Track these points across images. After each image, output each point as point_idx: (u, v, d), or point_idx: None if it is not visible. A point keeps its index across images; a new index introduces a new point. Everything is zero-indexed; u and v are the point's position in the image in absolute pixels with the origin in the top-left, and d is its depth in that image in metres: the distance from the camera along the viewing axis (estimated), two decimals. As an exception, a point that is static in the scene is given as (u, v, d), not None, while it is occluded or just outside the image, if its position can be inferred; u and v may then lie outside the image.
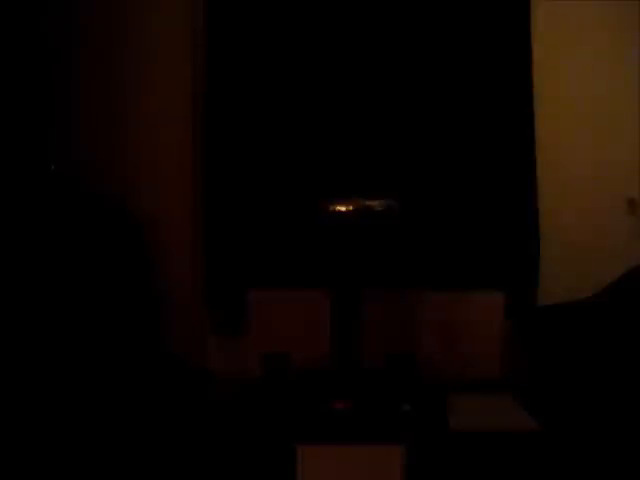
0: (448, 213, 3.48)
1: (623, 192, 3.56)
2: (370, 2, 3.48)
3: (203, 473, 2.73)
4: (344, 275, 2.82)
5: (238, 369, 3.32)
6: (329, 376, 2.82)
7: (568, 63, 3.56)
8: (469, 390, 3.21)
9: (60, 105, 3.41)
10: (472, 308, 3.40)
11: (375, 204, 2.82)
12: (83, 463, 2.73)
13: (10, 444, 2.71)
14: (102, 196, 3.28)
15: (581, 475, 2.69)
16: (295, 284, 3.41)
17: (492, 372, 3.34)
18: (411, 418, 2.74)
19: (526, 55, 3.49)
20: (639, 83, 3.56)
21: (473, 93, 3.49)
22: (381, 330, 3.27)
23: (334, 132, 3.47)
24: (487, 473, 2.67)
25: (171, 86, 3.51)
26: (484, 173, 3.49)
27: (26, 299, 2.89)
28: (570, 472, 2.69)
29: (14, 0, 3.15)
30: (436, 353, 3.35)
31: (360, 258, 2.85)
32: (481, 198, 3.49)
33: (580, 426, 2.83)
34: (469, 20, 3.48)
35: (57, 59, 3.39)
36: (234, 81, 3.49)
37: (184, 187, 3.52)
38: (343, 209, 2.79)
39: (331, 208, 2.81)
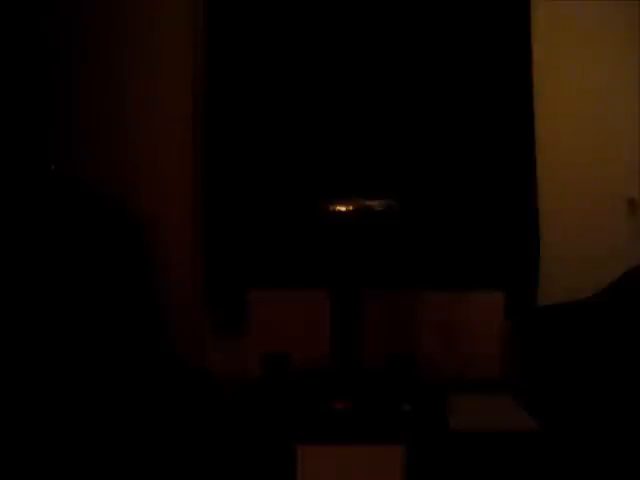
0: (448, 213, 3.48)
1: (623, 192, 3.56)
2: (370, 2, 3.48)
3: (203, 473, 2.73)
4: (344, 275, 2.82)
5: (238, 369, 3.32)
6: (329, 376, 2.82)
7: (568, 63, 3.56)
8: (469, 390, 3.21)
9: (60, 105, 3.41)
10: (472, 308, 3.40)
11: (375, 204, 2.82)
12: (83, 463, 2.73)
13: (10, 444, 2.71)
14: (102, 196, 3.28)
15: (581, 475, 2.69)
16: (295, 284, 3.42)
17: (492, 372, 3.34)
18: (411, 418, 2.74)
19: (526, 55, 3.49)
20: (639, 83, 3.56)
21: (473, 93, 3.49)
22: (381, 330, 3.28)
23: (334, 132, 3.47)
24: (487, 473, 2.67)
25: (171, 86, 3.51)
26: (484, 173, 3.49)
27: (26, 299, 2.89)
28: (570, 472, 2.69)
29: (14, 0, 3.15)
30: (436, 353, 3.35)
31: (360, 258, 2.85)
32: (481, 198, 3.49)
33: (580, 426, 2.83)
34: (469, 20, 3.48)
35: (57, 59, 3.39)
36: (234, 81, 3.49)
37: (184, 187, 3.52)
38: (343, 209, 2.79)
39: (331, 208, 2.80)
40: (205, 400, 3.15)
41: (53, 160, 3.27)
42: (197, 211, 3.53)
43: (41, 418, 2.79)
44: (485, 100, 3.49)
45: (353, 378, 2.80)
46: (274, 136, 3.49)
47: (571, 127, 3.56)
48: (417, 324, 3.35)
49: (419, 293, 3.36)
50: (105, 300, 3.08)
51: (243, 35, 3.48)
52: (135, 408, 2.97)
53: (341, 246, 2.82)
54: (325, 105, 3.48)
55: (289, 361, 3.14)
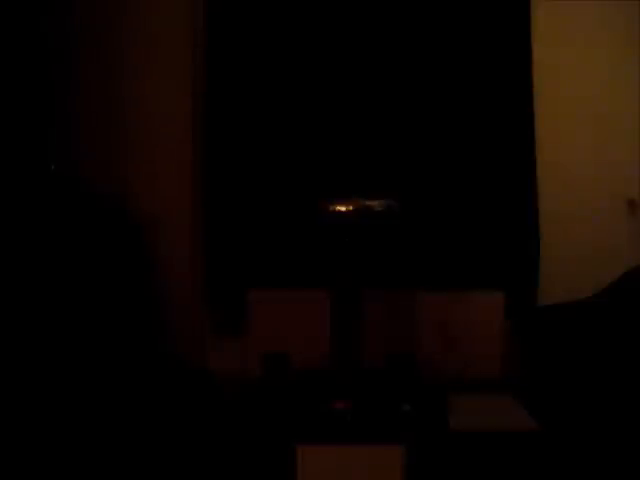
0: (448, 213, 3.48)
1: (623, 192, 3.56)
2: (370, 2, 3.48)
3: (203, 473, 2.73)
4: (344, 275, 2.82)
5: (238, 369, 3.31)
6: (329, 376, 2.82)
7: (568, 63, 3.56)
8: (469, 390, 3.21)
9: (60, 105, 3.41)
10: (472, 308, 3.40)
11: (375, 204, 2.82)
12: (83, 463, 2.73)
13: (10, 444, 2.71)
14: (102, 196, 3.28)
15: (581, 475, 2.69)
16: (295, 284, 3.41)
17: (492, 372, 3.34)
18: (411, 418, 2.74)
19: (526, 55, 3.49)
20: (639, 83, 3.56)
21: (473, 93, 3.49)
22: (381, 330, 3.27)
23: (334, 132, 3.47)
24: (487, 473, 2.67)
25: (171, 86, 3.51)
26: (484, 173, 3.49)
27: (26, 299, 2.89)
28: (570, 472, 2.68)
29: (14, 0, 3.15)
30: (436, 353, 3.35)
31: (360, 258, 2.85)
32: (481, 198, 3.49)
33: (580, 426, 2.83)
34: (469, 20, 3.48)
35: (57, 59, 3.39)
36: (234, 81, 3.49)
37: (184, 187, 3.52)
38: (343, 209, 2.79)
39: (331, 208, 2.80)
40: (205, 400, 3.15)
41: (53, 160, 3.27)
42: (197, 211, 3.53)
43: (41, 418, 2.79)
44: (485, 100, 3.49)
45: (353, 378, 2.80)
46: (274, 136, 3.49)
47: (571, 127, 3.56)
48: (417, 324, 3.35)
49: (419, 293, 3.36)
50: (105, 300, 3.08)
51: (243, 35, 3.48)
52: (135, 408, 2.97)
53: (341, 246, 2.82)
54: (325, 105, 3.48)
55: (289, 361, 3.13)
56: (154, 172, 3.50)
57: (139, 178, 3.48)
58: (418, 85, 3.48)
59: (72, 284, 2.98)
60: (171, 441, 2.83)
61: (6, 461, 2.67)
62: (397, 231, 3.35)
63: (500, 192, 3.49)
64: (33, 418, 2.78)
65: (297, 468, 2.58)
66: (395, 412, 2.76)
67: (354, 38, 3.47)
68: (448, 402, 2.98)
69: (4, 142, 3.07)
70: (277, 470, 2.62)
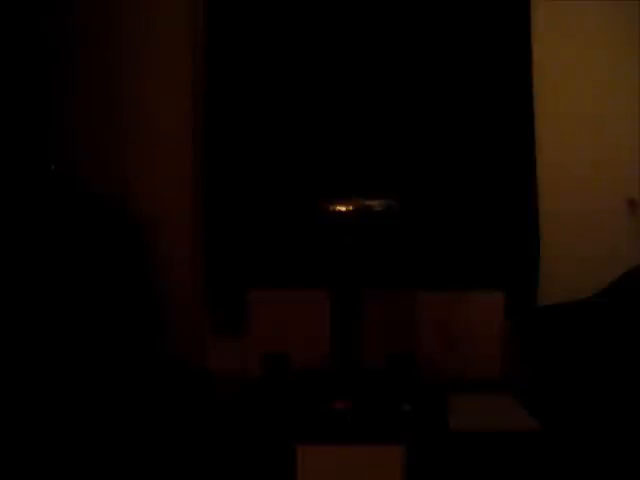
0: (448, 213, 3.48)
1: (623, 192, 3.56)
2: (370, 2, 3.48)
3: (203, 473, 2.73)
4: (344, 275, 2.82)
5: (238, 369, 3.31)
6: (329, 376, 2.82)
7: (568, 63, 3.56)
8: (469, 390, 3.21)
9: (60, 105, 3.40)
10: (472, 308, 3.40)
11: (375, 204, 2.82)
12: (83, 463, 2.73)
13: (10, 444, 2.71)
14: (102, 196, 3.28)
15: (581, 475, 2.69)
16: (295, 284, 3.41)
17: (492, 372, 3.34)
18: (411, 418, 2.73)
19: (526, 55, 3.49)
20: (639, 83, 3.56)
21: (473, 93, 3.49)
22: (381, 330, 3.27)
23: (334, 132, 3.47)
24: (487, 473, 2.67)
25: (171, 86, 3.51)
26: (484, 173, 3.49)
27: (25, 299, 2.89)
28: (570, 472, 2.68)
29: (14, 0, 3.15)
30: (436, 353, 3.35)
31: (360, 258, 2.85)
32: (481, 198, 3.49)
33: (580, 426, 2.83)
34: (469, 20, 3.48)
35: (57, 59, 3.39)
36: (234, 81, 3.49)
37: (184, 187, 3.52)
38: (343, 209, 2.79)
39: (331, 208, 2.80)
40: (205, 400, 3.15)
41: (53, 160, 3.27)
42: (197, 211, 3.53)
43: (41, 418, 2.79)
44: (485, 100, 3.49)
45: (353, 378, 2.80)
46: (274, 136, 3.49)
47: (571, 127, 3.56)
48: (417, 324, 3.35)
49: (419, 293, 3.36)
50: (105, 300, 3.08)
51: (243, 35, 3.48)
52: (135, 408, 2.97)
53: (341, 246, 2.82)
54: (325, 105, 3.48)
55: (289, 361, 3.13)
56: (154, 172, 3.50)
57: (139, 178, 3.48)
58: (418, 85, 3.48)
59: (72, 284, 2.98)
60: (171, 441, 2.83)
61: (7, 461, 2.67)
62: (397, 231, 3.35)
63: (500, 192, 3.49)
64: (33, 418, 2.78)
65: (297, 468, 2.58)
66: (395, 412, 2.76)
67: (354, 38, 3.47)
68: (448, 402, 2.97)
69: (4, 142, 3.07)
70: (277, 470, 2.62)
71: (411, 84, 3.48)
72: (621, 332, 2.93)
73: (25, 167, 3.12)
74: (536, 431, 2.76)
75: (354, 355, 2.80)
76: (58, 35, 3.40)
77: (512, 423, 2.85)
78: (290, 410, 2.83)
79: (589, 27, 3.57)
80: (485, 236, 3.49)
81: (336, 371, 2.80)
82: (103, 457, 2.76)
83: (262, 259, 3.47)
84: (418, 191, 3.45)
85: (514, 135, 3.49)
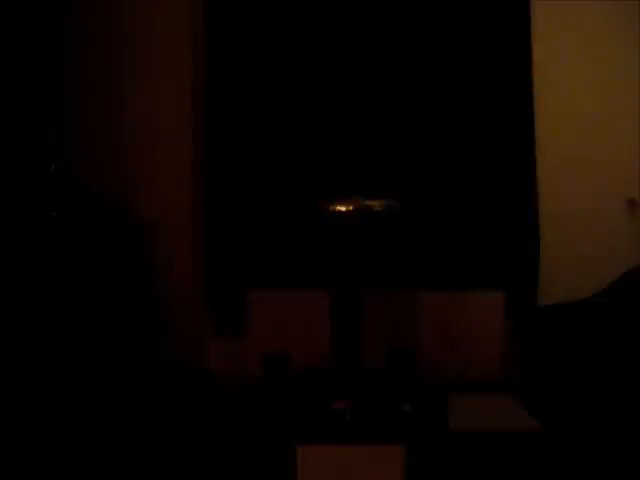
0: (448, 213, 3.48)
1: (623, 192, 3.56)
2: (370, 2, 3.48)
3: (203, 473, 2.73)
4: (344, 275, 2.82)
5: (238, 369, 3.31)
6: (329, 376, 2.82)
7: (568, 63, 3.56)
8: (469, 390, 3.21)
9: (60, 105, 3.40)
10: (472, 308, 3.40)
11: (375, 204, 2.82)
12: (84, 463, 2.73)
13: (12, 444, 2.71)
14: (102, 196, 3.28)
15: (581, 475, 2.69)
16: (295, 284, 3.41)
17: (492, 372, 3.34)
18: (411, 418, 2.73)
19: (526, 55, 3.49)
20: (639, 83, 3.56)
21: (473, 93, 3.49)
22: (381, 330, 3.27)
23: (334, 132, 3.47)
24: (487, 473, 2.67)
25: (171, 86, 3.51)
26: (484, 173, 3.49)
27: (26, 299, 2.89)
28: (570, 472, 2.68)
29: (14, 0, 3.15)
30: (436, 353, 3.35)
31: (360, 258, 2.85)
32: (481, 198, 3.49)
33: (580, 426, 2.83)
34: (469, 20, 3.48)
35: (57, 59, 3.39)
36: (234, 81, 3.49)
37: (184, 187, 3.52)
38: (343, 209, 2.79)
39: (331, 208, 2.80)
40: (205, 400, 3.15)
41: (53, 160, 3.27)
42: (197, 211, 3.53)
43: (42, 417, 2.79)
44: (485, 100, 3.49)
45: (353, 378, 2.80)
46: (274, 136, 3.49)
47: (571, 127, 3.56)
48: (417, 324, 3.35)
49: (419, 293, 3.36)
50: (105, 300, 3.08)
51: (243, 35, 3.48)
52: (135, 408, 2.97)
53: (341, 246, 2.82)
54: (325, 105, 3.48)
55: (289, 361, 3.13)
56: (154, 172, 3.50)
57: (139, 178, 3.48)
58: (418, 85, 3.48)
59: (72, 284, 2.98)
60: (171, 441, 2.83)
61: (7, 461, 2.67)
62: (397, 231, 3.35)
63: (500, 192, 3.49)
64: (34, 417, 2.78)
65: (297, 468, 2.58)
66: (395, 412, 2.76)
67: (354, 38, 3.47)
68: (448, 402, 2.97)
69: (4, 142, 3.07)
70: (277, 470, 2.62)
71: (411, 84, 3.48)
72: (621, 332, 2.93)
73: (25, 167, 3.12)
74: (536, 431, 2.76)
75: (354, 355, 2.80)
76: (58, 35, 3.40)
77: (512, 423, 2.85)
78: (290, 410, 2.83)
79: (589, 27, 3.57)
80: (485, 236, 3.49)
81: (336, 371, 2.80)
82: (104, 457, 2.76)
83: (262, 259, 3.47)
84: (418, 191, 3.45)
85: (514, 135, 3.49)
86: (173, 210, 3.50)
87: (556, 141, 3.54)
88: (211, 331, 3.51)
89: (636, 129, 3.56)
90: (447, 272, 3.45)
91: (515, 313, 3.45)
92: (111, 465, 2.74)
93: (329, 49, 3.47)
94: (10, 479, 2.66)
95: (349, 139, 3.46)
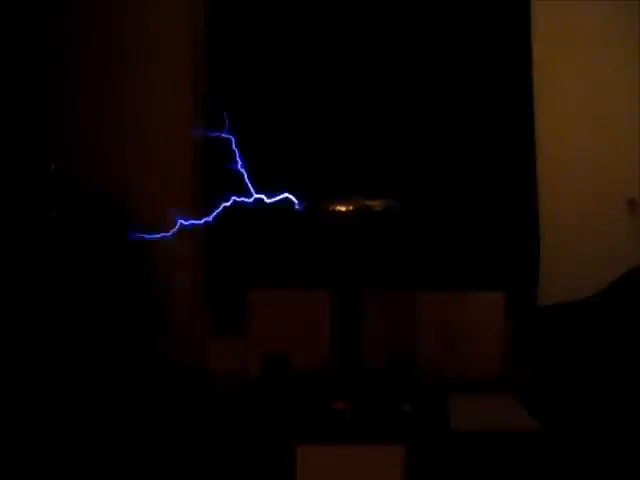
0: (448, 213, 3.48)
1: (623, 192, 3.56)
2: (371, 2, 3.48)
3: (203, 473, 2.73)
4: (344, 275, 2.82)
5: (238, 369, 3.31)
6: (329, 376, 2.82)
7: (568, 63, 3.56)
8: (469, 390, 3.21)
9: (60, 105, 3.40)
10: (472, 308, 3.40)
11: (375, 204, 2.82)
12: (84, 463, 2.73)
13: (13, 443, 2.71)
14: (102, 196, 3.28)
15: (581, 475, 2.69)
16: (295, 284, 3.41)
17: (492, 372, 3.34)
18: (411, 418, 2.73)
19: (526, 55, 3.49)
20: (639, 83, 3.56)
21: (473, 93, 3.49)
22: (381, 330, 3.27)
23: (334, 132, 3.47)
24: (487, 473, 2.67)
25: (171, 86, 3.51)
26: (484, 173, 3.49)
27: (26, 299, 2.89)
28: (570, 472, 2.68)
29: (14, 0, 3.15)
30: (436, 353, 3.35)
31: (360, 258, 2.85)
32: (481, 198, 3.49)
33: (580, 426, 2.83)
34: (469, 20, 3.49)
35: (56, 59, 3.39)
36: (234, 81, 3.49)
37: (184, 187, 3.52)
38: (343, 209, 2.79)
39: (331, 208, 2.80)
40: (205, 400, 3.15)
41: (53, 160, 3.27)
42: (197, 211, 3.53)
43: (42, 417, 2.79)
44: (485, 100, 3.49)
45: (353, 378, 2.80)
46: (274, 136, 3.49)
47: (571, 127, 3.56)
48: (417, 324, 3.35)
49: (419, 293, 3.36)
50: (105, 300, 3.08)
51: (243, 35, 3.48)
52: (135, 408, 2.97)
53: (341, 246, 2.82)
54: (325, 105, 3.48)
55: (289, 361, 3.13)
56: (154, 172, 3.50)
57: (139, 178, 3.48)
58: (419, 85, 3.48)
59: (72, 284, 2.98)
60: (171, 441, 2.83)
61: (7, 461, 2.67)
62: (397, 231, 3.34)
63: (500, 192, 3.49)
64: (34, 419, 2.78)
65: (297, 468, 2.57)
66: (395, 412, 2.76)
67: (354, 39, 3.47)
68: (448, 402, 2.97)
69: (4, 142, 3.07)
70: (277, 470, 2.62)
71: (412, 84, 3.48)
72: (621, 332, 2.93)
73: (25, 167, 3.12)
74: (536, 431, 2.76)
75: (354, 355, 2.79)
76: (58, 35, 3.40)
77: (512, 423, 2.85)
78: (290, 410, 2.83)
79: (589, 27, 3.57)
80: (485, 236, 3.49)
81: (336, 371, 2.80)
82: (104, 457, 2.76)
83: (262, 259, 3.47)
84: (418, 191, 3.45)
85: (514, 135, 3.49)
86: (173, 209, 3.50)
87: (556, 141, 3.54)
88: (211, 331, 3.51)
89: (636, 129, 3.56)
90: (447, 272, 3.45)
91: (515, 313, 3.45)
92: (111, 465, 2.74)
93: (329, 50, 3.47)
94: (10, 479, 2.66)
95: (349, 139, 3.46)
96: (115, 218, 3.27)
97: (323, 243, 2.95)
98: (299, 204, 3.38)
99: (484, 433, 2.73)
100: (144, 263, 3.39)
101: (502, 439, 2.71)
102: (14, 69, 3.13)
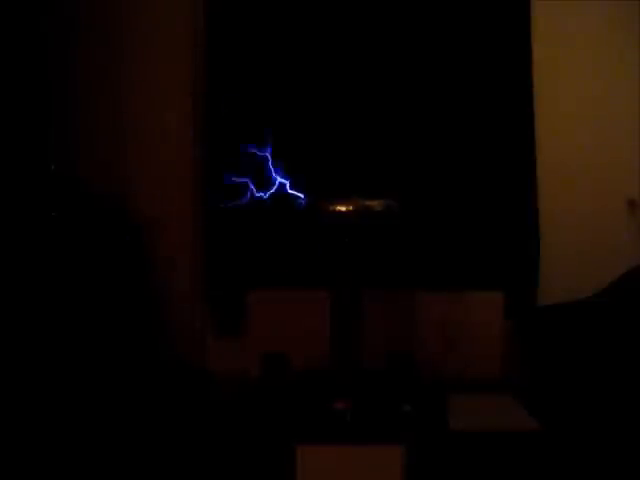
0: (448, 213, 3.48)
1: (623, 192, 3.56)
2: (371, 2, 3.48)
3: (203, 473, 2.73)
4: (344, 275, 2.82)
5: (238, 369, 3.31)
6: (329, 376, 2.82)
7: (568, 63, 3.56)
8: (469, 390, 3.21)
9: (60, 105, 3.40)
10: (472, 308, 3.40)
11: (375, 204, 2.82)
12: (84, 463, 2.73)
13: (11, 443, 2.71)
14: (102, 196, 3.28)
15: (581, 475, 2.69)
16: (295, 284, 3.41)
17: (492, 372, 3.34)
18: (411, 418, 2.73)
19: (526, 55, 3.49)
20: (639, 83, 3.56)
21: (473, 93, 3.49)
22: (381, 330, 3.27)
23: (334, 132, 3.46)
24: (487, 473, 2.67)
25: (171, 86, 3.51)
26: (484, 173, 3.49)
27: (26, 299, 2.89)
28: (570, 472, 2.68)
29: (14, 0, 3.15)
30: (436, 353, 3.35)
31: (360, 258, 2.85)
32: (481, 198, 3.49)
33: (580, 426, 2.83)
34: (469, 20, 3.48)
35: (56, 59, 3.39)
36: (234, 81, 3.49)
37: (184, 187, 3.52)
38: (343, 209, 2.79)
39: (331, 208, 2.80)
40: (205, 400, 3.15)
41: (53, 160, 3.27)
42: (197, 211, 3.53)
43: (42, 417, 2.79)
44: (485, 100, 3.49)
45: (353, 378, 2.80)
46: (274, 137, 3.49)
47: (571, 127, 3.56)
48: (417, 324, 3.35)
49: (419, 293, 3.36)
50: (105, 300, 3.08)
51: (243, 35, 3.48)
52: (135, 408, 2.97)
53: (341, 246, 2.82)
54: (325, 106, 3.48)
55: (289, 361, 3.13)
56: (154, 172, 3.50)
57: (139, 178, 3.48)
58: (419, 85, 3.48)
59: (72, 284, 2.98)
60: (171, 441, 2.83)
61: (7, 461, 2.67)
62: (397, 231, 3.35)
63: (500, 192, 3.49)
64: (34, 418, 2.78)
65: (297, 468, 2.57)
66: (395, 412, 2.76)
67: (354, 40, 3.47)
68: (448, 402, 2.97)
69: (4, 142, 3.07)
70: (277, 470, 2.62)
71: (412, 84, 3.48)
72: (621, 332, 2.93)
73: (25, 167, 3.12)
74: (536, 431, 2.76)
75: (354, 355, 2.80)
76: (58, 35, 3.40)
77: (512, 423, 2.85)
78: (290, 410, 2.83)
79: (589, 27, 3.57)
80: (485, 236, 3.49)
81: (336, 371, 2.80)
82: (104, 456, 2.76)
83: (262, 259, 3.47)
84: (418, 191, 3.45)
85: (514, 135, 3.49)
86: (173, 210, 3.50)
87: (556, 141, 3.54)
88: (211, 331, 3.51)
89: (636, 129, 3.56)
90: (447, 272, 3.45)
91: (515, 313, 3.45)
92: (111, 465, 2.74)
93: (329, 51, 3.47)
94: (10, 479, 2.66)
95: (349, 139, 3.45)
96: (115, 218, 3.27)
97: (323, 243, 2.96)
98: (299, 204, 3.39)
99: (484, 433, 2.73)
100: (144, 263, 3.39)
101: (502, 439, 2.71)
102: (14, 69, 3.13)
